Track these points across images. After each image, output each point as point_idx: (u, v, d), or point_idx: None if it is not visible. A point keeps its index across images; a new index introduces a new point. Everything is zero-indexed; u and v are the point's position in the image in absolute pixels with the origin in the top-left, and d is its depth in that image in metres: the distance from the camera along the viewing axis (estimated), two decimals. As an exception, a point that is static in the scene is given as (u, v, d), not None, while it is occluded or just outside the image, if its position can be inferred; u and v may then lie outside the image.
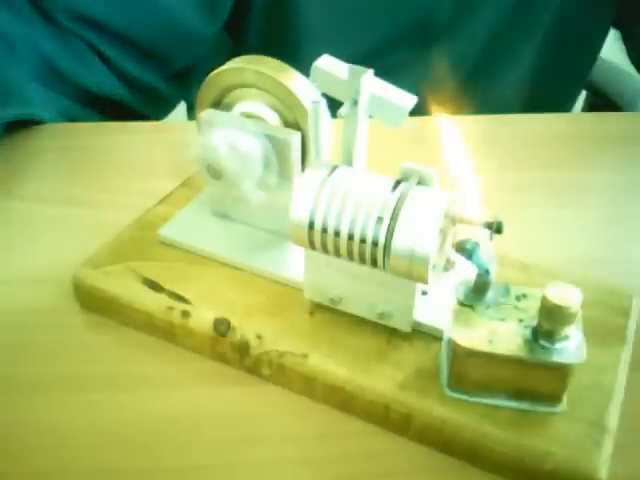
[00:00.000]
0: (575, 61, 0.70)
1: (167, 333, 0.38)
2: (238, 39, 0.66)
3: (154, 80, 0.62)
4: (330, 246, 0.33)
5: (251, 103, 0.38)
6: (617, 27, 0.70)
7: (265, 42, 0.60)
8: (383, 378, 0.34)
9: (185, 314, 0.37)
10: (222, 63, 0.38)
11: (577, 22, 0.65)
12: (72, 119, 0.58)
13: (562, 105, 0.73)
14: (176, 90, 0.66)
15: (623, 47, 0.72)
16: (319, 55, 0.33)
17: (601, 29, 0.70)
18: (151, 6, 0.58)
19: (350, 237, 0.32)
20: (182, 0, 0.58)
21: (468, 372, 0.32)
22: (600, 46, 0.72)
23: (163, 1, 0.58)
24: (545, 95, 0.69)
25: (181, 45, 0.61)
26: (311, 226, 0.33)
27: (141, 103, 0.62)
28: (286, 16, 0.61)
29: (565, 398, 0.32)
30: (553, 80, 0.68)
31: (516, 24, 0.63)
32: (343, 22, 0.59)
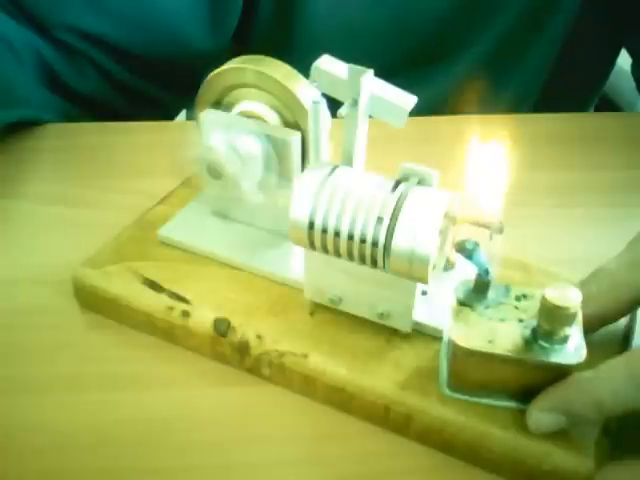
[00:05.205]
0: (585, 66, 0.70)
1: (167, 333, 0.38)
2: (243, 46, 0.65)
3: (156, 92, 0.62)
4: (330, 246, 0.33)
5: (251, 103, 0.38)
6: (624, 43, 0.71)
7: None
8: (383, 378, 0.34)
9: (185, 314, 0.37)
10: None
11: (586, 31, 0.65)
12: (73, 122, 0.57)
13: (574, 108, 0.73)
14: (179, 99, 0.65)
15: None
16: None
17: (613, 40, 0.69)
18: (151, 21, 0.57)
19: (350, 237, 0.32)
20: (184, 15, 0.57)
21: (467, 372, 0.32)
22: (614, 56, 0.72)
23: (164, 17, 0.57)
24: (554, 99, 0.69)
25: (184, 59, 0.59)
26: (311, 226, 0.33)
27: (142, 113, 0.62)
28: (292, 34, 0.60)
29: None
30: (562, 84, 0.68)
31: (525, 30, 0.63)
32: (352, 44, 0.58)
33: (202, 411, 0.35)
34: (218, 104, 0.39)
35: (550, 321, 0.30)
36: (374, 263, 0.33)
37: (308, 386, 0.35)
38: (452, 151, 0.38)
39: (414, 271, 0.32)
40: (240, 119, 0.38)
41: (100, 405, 0.35)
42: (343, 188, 0.32)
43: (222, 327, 0.36)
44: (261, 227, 0.41)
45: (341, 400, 0.34)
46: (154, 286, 0.38)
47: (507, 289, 0.33)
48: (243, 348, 0.36)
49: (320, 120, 0.34)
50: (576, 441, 0.31)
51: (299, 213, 0.33)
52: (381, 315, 0.35)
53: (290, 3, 0.59)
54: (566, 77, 0.68)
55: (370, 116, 0.34)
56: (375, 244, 0.32)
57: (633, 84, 0.71)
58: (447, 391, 0.33)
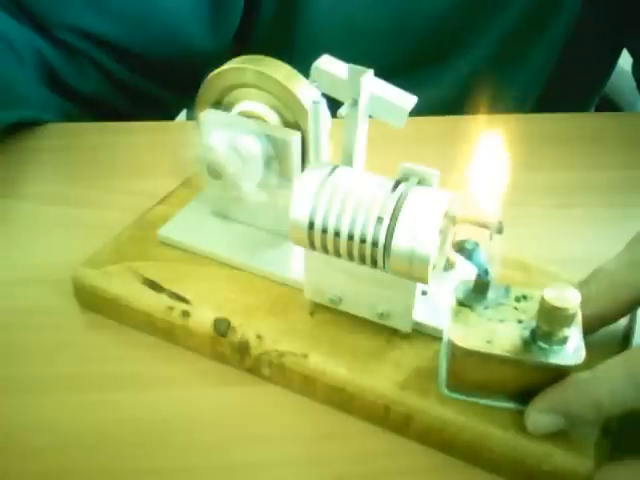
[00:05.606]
0: (586, 66, 0.70)
1: (167, 333, 0.38)
2: (244, 45, 0.65)
3: (156, 91, 0.62)
4: (330, 246, 0.33)
5: (251, 103, 0.38)
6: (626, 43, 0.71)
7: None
8: (383, 378, 0.34)
9: (185, 314, 0.37)
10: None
11: (587, 32, 0.65)
12: (73, 122, 0.57)
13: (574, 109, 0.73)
14: (179, 99, 0.65)
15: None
16: None
17: (614, 41, 0.70)
18: (151, 21, 0.57)
19: (350, 237, 0.32)
20: (185, 15, 0.57)
21: (466, 372, 0.32)
22: (615, 57, 0.72)
23: (165, 16, 0.57)
24: (555, 100, 0.69)
25: (185, 59, 0.59)
26: (311, 226, 0.33)
27: (142, 112, 0.62)
28: (293, 34, 0.60)
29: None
30: (563, 85, 0.68)
31: (527, 31, 0.63)
32: (353, 44, 0.58)
33: (202, 411, 0.35)
34: (218, 104, 0.39)
35: (549, 322, 0.30)
36: (374, 263, 0.33)
37: (308, 386, 0.35)
38: (452, 151, 0.38)
39: (414, 271, 0.32)
40: (240, 119, 0.38)
41: (100, 405, 0.35)
42: (343, 188, 0.32)
43: (222, 327, 0.36)
44: (261, 227, 0.41)
45: (341, 400, 0.34)
46: (154, 286, 0.38)
47: (507, 290, 0.33)
48: (243, 348, 0.36)
49: (320, 120, 0.34)
50: (576, 441, 0.31)
51: (299, 213, 0.33)
52: (381, 315, 0.35)
53: (292, 3, 0.59)
54: (567, 78, 0.68)
55: (370, 116, 0.34)
56: (375, 244, 0.32)
57: (633, 84, 0.71)
58: (446, 391, 0.33)
